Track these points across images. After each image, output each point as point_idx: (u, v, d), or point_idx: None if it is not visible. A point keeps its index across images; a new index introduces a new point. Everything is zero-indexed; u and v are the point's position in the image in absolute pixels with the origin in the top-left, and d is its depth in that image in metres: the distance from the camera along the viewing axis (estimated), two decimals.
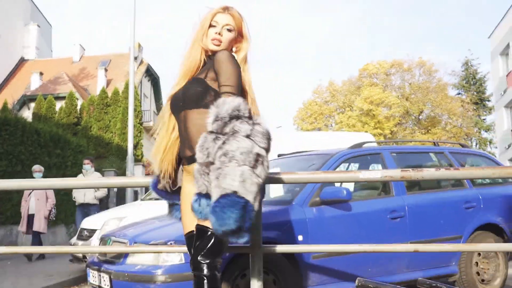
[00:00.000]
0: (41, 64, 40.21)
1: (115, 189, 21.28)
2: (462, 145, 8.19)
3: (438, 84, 46.21)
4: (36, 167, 12.11)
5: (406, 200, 6.35)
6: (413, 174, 3.64)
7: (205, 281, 3.05)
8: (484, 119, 49.48)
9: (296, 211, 5.65)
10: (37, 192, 11.58)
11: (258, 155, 2.87)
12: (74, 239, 9.89)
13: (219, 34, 3.31)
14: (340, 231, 5.86)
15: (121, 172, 21.57)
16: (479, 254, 6.73)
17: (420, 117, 47.38)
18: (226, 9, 3.40)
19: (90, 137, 25.52)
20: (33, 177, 11.39)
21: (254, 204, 2.83)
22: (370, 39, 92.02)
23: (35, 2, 43.14)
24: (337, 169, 6.36)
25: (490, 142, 48.75)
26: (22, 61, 41.30)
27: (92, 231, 9.26)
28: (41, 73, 37.33)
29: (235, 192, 2.76)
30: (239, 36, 3.45)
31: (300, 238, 5.52)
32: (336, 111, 49.70)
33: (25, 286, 8.02)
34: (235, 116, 2.91)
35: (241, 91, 3.20)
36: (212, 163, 2.88)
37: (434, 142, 8.27)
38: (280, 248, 4.15)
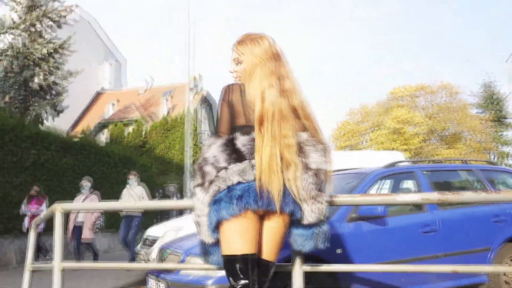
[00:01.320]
0: (115, 95, 40.69)
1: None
2: (490, 163, 7.74)
3: (459, 104, 44.75)
4: (83, 182, 11.12)
5: (438, 215, 5.98)
6: (450, 197, 3.27)
7: None
8: (501, 135, 47.53)
9: (335, 226, 5.28)
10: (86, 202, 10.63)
11: None
12: (138, 247, 9.73)
13: (234, 71, 3.14)
14: (376, 244, 5.53)
15: (180, 186, 21.55)
16: (507, 263, 6.28)
17: (443, 134, 45.93)
18: (233, 46, 3.15)
19: (154, 157, 25.76)
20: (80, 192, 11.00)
21: None
22: (395, 64, 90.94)
23: (111, 40, 43.90)
24: (373, 187, 6.13)
25: (507, 155, 46.71)
26: (98, 93, 41.92)
27: (154, 240, 9.02)
28: (113, 104, 37.91)
29: None
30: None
31: (338, 251, 5.20)
32: (367, 130, 48.79)
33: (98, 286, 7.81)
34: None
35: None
36: None
37: (462, 160, 7.77)
38: (322, 268, 3.86)
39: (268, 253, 2.98)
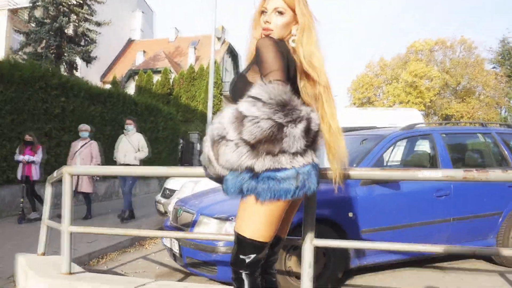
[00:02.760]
0: (144, 44, 40.47)
1: (198, 148, 21.09)
2: (508, 126, 7.25)
3: (476, 59, 44.15)
4: (82, 127, 9.83)
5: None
6: (476, 174, 2.90)
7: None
8: None
9: (348, 189, 5.00)
10: (83, 151, 9.50)
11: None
12: (158, 196, 9.47)
13: (267, 22, 2.38)
14: (388, 208, 5.21)
15: (203, 134, 21.30)
16: None
17: (457, 88, 45.35)
18: None
19: (179, 105, 25.58)
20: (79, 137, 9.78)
21: None
22: (418, 19, 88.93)
23: None
24: (390, 149, 5.84)
25: None
26: (129, 42, 41.60)
27: (173, 191, 8.79)
28: (144, 52, 37.70)
29: None
30: (295, 15, 2.40)
31: (350, 215, 4.92)
32: (384, 83, 48.21)
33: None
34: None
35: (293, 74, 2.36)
36: None
37: (482, 123, 7.27)
38: (331, 243, 3.56)
39: (284, 232, 2.63)
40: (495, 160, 6.36)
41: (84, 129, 9.76)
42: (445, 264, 5.92)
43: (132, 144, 9.60)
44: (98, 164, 9.44)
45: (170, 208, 7.75)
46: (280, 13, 2.38)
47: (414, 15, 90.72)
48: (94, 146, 9.70)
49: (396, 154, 6.92)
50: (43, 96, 10.58)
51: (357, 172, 3.19)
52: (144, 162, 15.45)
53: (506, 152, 6.29)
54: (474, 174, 2.93)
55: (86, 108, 12.12)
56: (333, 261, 4.81)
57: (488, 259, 6.07)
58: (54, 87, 10.92)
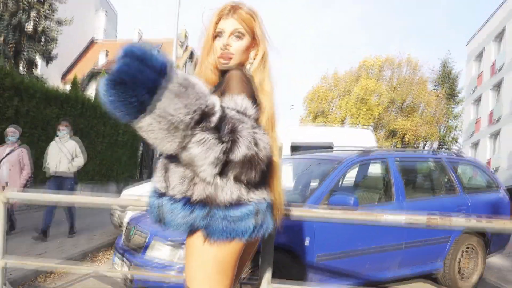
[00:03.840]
0: (107, 44, 39.61)
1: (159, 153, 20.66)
2: (457, 154, 7.33)
3: (420, 79, 45.56)
4: (9, 129, 8.11)
5: (405, 206, 5.55)
6: (440, 221, 2.75)
7: None
8: (452, 109, 49.19)
9: None
10: (11, 159, 7.83)
11: None
12: (114, 207, 8.52)
13: (227, 46, 2.06)
14: (344, 234, 5.06)
15: None
16: (462, 253, 6.05)
17: (403, 105, 46.32)
18: (230, 10, 2.09)
19: None
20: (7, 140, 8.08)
21: None
22: (368, 35, 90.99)
23: None
24: (346, 175, 5.72)
25: (456, 128, 48.68)
26: (92, 42, 40.72)
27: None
28: (107, 52, 36.94)
29: None
30: (254, 38, 2.12)
31: (306, 242, 4.72)
32: (337, 96, 48.71)
33: (70, 248, 7.18)
34: None
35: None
36: None
37: (433, 150, 7.40)
38: (289, 287, 3.22)
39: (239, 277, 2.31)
40: (444, 185, 6.43)
41: (11, 132, 8.05)
42: (395, 286, 5.92)
43: (65, 152, 8.12)
44: (30, 176, 8.05)
45: (125, 221, 7.38)
46: (239, 36, 2.08)
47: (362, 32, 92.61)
48: (24, 152, 8.01)
49: (350, 176, 6.86)
50: None
51: (316, 213, 2.98)
52: (103, 165, 15.10)
53: (453, 178, 6.36)
54: (438, 220, 2.78)
55: (42, 110, 11.54)
56: None
57: (434, 280, 6.19)
58: (7, 88, 10.32)
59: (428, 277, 6.17)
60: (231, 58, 2.08)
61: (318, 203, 4.94)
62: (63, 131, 8.26)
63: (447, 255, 5.92)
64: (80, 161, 8.31)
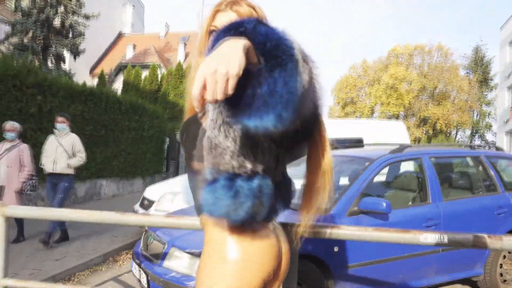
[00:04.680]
0: (135, 38, 39.76)
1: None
2: (497, 148, 6.85)
3: (452, 65, 44.87)
4: (7, 125, 7.26)
5: (442, 207, 5.14)
6: (489, 241, 2.37)
7: None
8: (486, 95, 48.00)
9: (334, 221, 4.41)
10: (9, 156, 7.10)
11: None
12: (137, 206, 8.43)
13: None
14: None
15: None
16: (504, 256, 5.56)
17: (434, 92, 45.90)
18: (228, 3, 1.79)
19: (167, 102, 24.76)
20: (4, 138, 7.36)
21: None
22: (397, 29, 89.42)
23: None
24: (378, 174, 5.19)
25: (489, 114, 47.55)
26: (119, 35, 40.80)
27: (151, 202, 7.92)
28: (134, 46, 36.95)
29: None
30: None
31: (336, 249, 4.34)
32: (367, 84, 48.74)
33: (90, 251, 6.96)
34: None
35: None
36: None
37: (470, 146, 6.86)
38: None
39: None
40: (483, 184, 5.93)
41: (10, 128, 7.23)
42: None
43: (64, 148, 7.41)
44: (31, 175, 7.25)
45: None
46: None
47: (395, 21, 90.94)
48: (25, 150, 7.26)
49: (381, 173, 6.49)
50: (17, 95, 9.75)
51: (345, 232, 2.63)
52: (128, 162, 14.91)
53: (493, 175, 5.90)
54: (487, 241, 2.40)
55: (66, 108, 11.35)
56: None
57: (473, 283, 5.76)
58: (30, 86, 10.11)
59: (466, 279, 5.74)
60: None
61: (348, 207, 4.60)
62: (61, 124, 7.48)
63: (488, 259, 5.48)
64: (79, 159, 7.52)
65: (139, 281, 4.55)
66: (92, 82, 28.98)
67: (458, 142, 43.65)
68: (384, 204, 4.42)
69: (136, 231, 8.18)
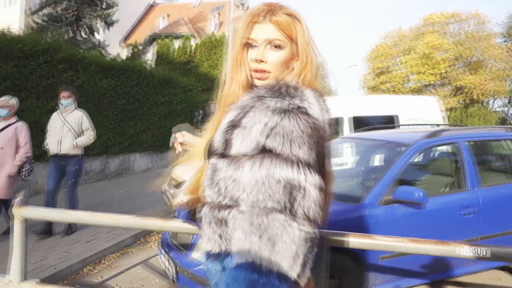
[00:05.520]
0: (167, 8, 39.54)
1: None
2: None
3: (489, 33, 43.23)
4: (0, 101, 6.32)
5: (480, 194, 4.84)
6: None
7: None
8: None
9: (367, 211, 4.23)
10: (2, 137, 6.17)
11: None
12: (165, 185, 7.94)
13: (261, 60, 1.58)
14: (411, 230, 4.39)
15: None
16: None
17: (470, 60, 44.13)
18: (267, 13, 1.59)
19: (200, 74, 24.57)
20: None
21: None
22: None
23: None
24: (411, 160, 4.86)
25: None
26: (151, 5, 40.63)
27: (180, 182, 7.38)
28: (167, 15, 36.75)
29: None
30: (296, 46, 1.61)
31: None
32: (402, 53, 47.00)
33: (120, 232, 6.82)
34: None
35: None
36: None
37: (506, 128, 6.50)
38: None
39: None
40: None
41: (3, 104, 6.31)
42: (464, 279, 5.20)
43: (70, 126, 6.65)
44: (28, 157, 6.36)
45: (175, 202, 7.01)
46: (278, 46, 1.59)
47: None
48: (22, 129, 6.31)
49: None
50: (47, 71, 9.66)
51: (378, 242, 2.45)
52: (158, 136, 14.85)
53: None
54: None
55: (97, 82, 11.32)
56: None
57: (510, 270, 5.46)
58: (61, 61, 10.03)
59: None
60: (267, 76, 1.61)
61: (382, 196, 4.37)
62: (67, 99, 6.65)
63: None
64: (88, 138, 6.78)
65: (167, 270, 4.46)
66: (124, 53, 28.96)
67: (494, 111, 42.54)
68: (421, 194, 4.20)
69: (167, 210, 8.08)
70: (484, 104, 43.64)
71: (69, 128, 6.62)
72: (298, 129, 1.41)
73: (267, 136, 1.42)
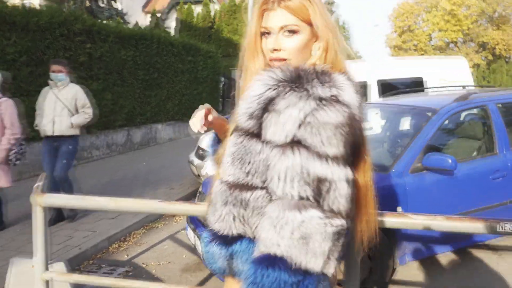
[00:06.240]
0: None
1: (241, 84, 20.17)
2: None
3: None
4: None
5: (510, 157, 4.74)
6: None
7: None
8: None
9: (396, 179, 4.11)
10: None
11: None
12: (192, 155, 7.81)
13: (276, 49, 1.49)
14: (440, 197, 4.35)
15: None
16: None
17: (493, 16, 43.87)
18: (275, 0, 1.48)
19: (221, 40, 24.19)
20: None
21: None
22: None
23: None
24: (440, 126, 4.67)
25: None
26: None
27: (207, 152, 7.18)
28: None
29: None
30: (312, 28, 1.50)
31: (399, 210, 4.02)
32: (424, 11, 46.76)
33: (150, 196, 6.85)
34: None
35: None
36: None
37: None
38: None
39: None
40: None
41: None
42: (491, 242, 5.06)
43: (64, 103, 5.81)
44: (17, 138, 5.43)
45: (204, 172, 6.88)
46: (293, 31, 1.48)
47: None
48: (8, 108, 5.37)
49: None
50: (65, 44, 9.45)
51: (413, 221, 2.29)
52: (182, 104, 14.70)
53: None
54: None
55: (116, 53, 11.12)
56: (380, 265, 4.03)
57: None
58: (78, 33, 9.80)
59: None
60: (284, 63, 1.50)
61: (411, 164, 4.24)
62: (58, 74, 5.80)
63: None
64: (85, 116, 5.94)
65: (195, 247, 4.36)
66: (145, 20, 28.59)
67: None
68: (450, 161, 4.11)
69: (194, 182, 7.95)
70: (506, 59, 42.86)
71: (63, 105, 5.80)
72: (330, 120, 1.32)
73: (299, 126, 1.35)
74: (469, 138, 5.28)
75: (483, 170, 4.61)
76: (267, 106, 1.42)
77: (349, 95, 1.39)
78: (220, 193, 1.51)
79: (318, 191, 1.32)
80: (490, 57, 42.90)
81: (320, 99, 1.36)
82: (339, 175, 1.33)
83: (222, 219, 1.50)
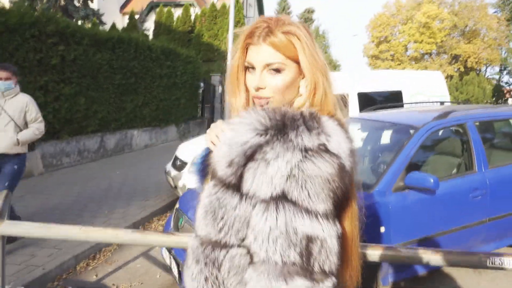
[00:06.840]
0: None
1: (220, 91, 19.91)
2: None
3: (481, 3, 45.60)
4: None
5: (488, 175, 4.75)
6: None
7: None
8: None
9: (379, 198, 4.03)
10: None
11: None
12: (169, 166, 7.57)
13: (259, 87, 1.37)
14: (423, 216, 4.31)
15: (225, 75, 20.00)
16: None
17: (465, 30, 46.63)
18: (262, 32, 1.36)
19: (201, 44, 23.93)
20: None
21: None
22: None
23: None
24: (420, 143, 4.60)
25: None
26: None
27: (184, 163, 7.00)
28: None
29: None
30: (298, 64, 1.38)
31: (382, 230, 3.97)
32: (400, 23, 48.98)
33: (118, 220, 6.43)
34: None
35: None
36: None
37: None
38: None
39: None
40: None
41: None
42: None
43: (10, 116, 5.01)
44: None
45: (181, 184, 6.66)
46: (277, 70, 1.36)
47: None
48: None
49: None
50: (36, 45, 9.00)
51: (401, 254, 2.12)
52: (160, 110, 14.43)
53: None
54: None
55: (91, 57, 10.71)
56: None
57: None
58: (51, 35, 9.37)
59: None
60: (268, 101, 1.39)
61: (393, 184, 4.15)
62: (6, 81, 5.00)
63: None
64: (39, 128, 5.21)
65: (170, 268, 4.13)
66: (122, 21, 28.16)
67: (487, 79, 44.03)
68: (432, 180, 4.02)
69: (170, 193, 7.68)
70: (477, 71, 44.89)
71: (9, 118, 5.00)
72: (318, 173, 1.20)
73: (286, 180, 1.20)
74: (449, 155, 5.24)
75: (463, 189, 4.58)
76: (253, 154, 1.25)
77: (338, 143, 1.26)
78: (192, 249, 1.37)
79: (308, 252, 1.18)
80: (462, 69, 45.19)
81: (306, 150, 1.22)
82: (330, 232, 1.21)
83: (194, 277, 1.34)
